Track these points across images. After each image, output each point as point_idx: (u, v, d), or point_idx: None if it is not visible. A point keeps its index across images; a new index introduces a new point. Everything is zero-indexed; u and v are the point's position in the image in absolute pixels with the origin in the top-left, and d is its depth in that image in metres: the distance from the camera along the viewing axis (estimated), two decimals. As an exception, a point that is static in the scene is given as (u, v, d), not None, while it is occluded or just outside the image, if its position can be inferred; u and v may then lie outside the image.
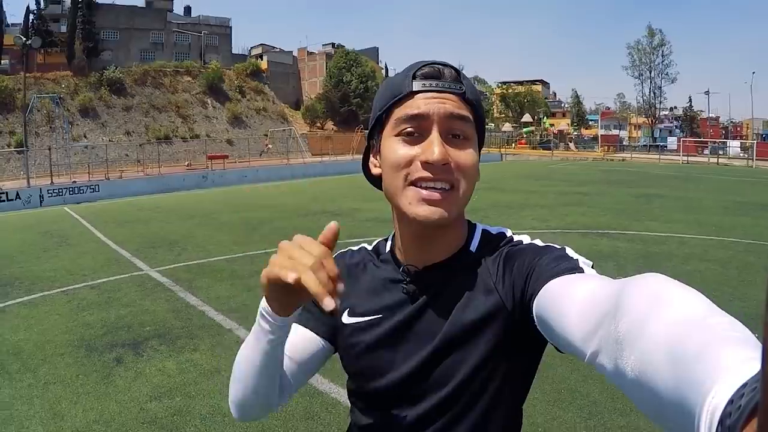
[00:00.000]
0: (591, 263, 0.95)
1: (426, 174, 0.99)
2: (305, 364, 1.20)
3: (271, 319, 0.97)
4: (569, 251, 0.99)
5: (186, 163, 45.39)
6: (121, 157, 47.43)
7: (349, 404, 1.26)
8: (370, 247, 1.30)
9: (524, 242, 1.11)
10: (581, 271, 0.90)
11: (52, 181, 30.40)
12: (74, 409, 4.84)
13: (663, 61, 76.01)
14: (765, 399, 0.30)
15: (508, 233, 1.16)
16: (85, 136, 52.08)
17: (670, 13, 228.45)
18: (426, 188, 0.99)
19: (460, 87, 1.03)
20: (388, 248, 1.23)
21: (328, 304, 0.78)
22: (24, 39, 33.90)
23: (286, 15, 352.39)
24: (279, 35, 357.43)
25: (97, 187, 28.51)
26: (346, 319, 1.18)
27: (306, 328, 1.22)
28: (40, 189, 26.63)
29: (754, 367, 0.43)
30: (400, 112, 1.03)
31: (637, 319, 0.59)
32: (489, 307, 1.03)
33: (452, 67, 1.05)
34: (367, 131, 1.16)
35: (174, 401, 4.92)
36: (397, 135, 1.03)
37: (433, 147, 0.98)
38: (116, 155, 45.61)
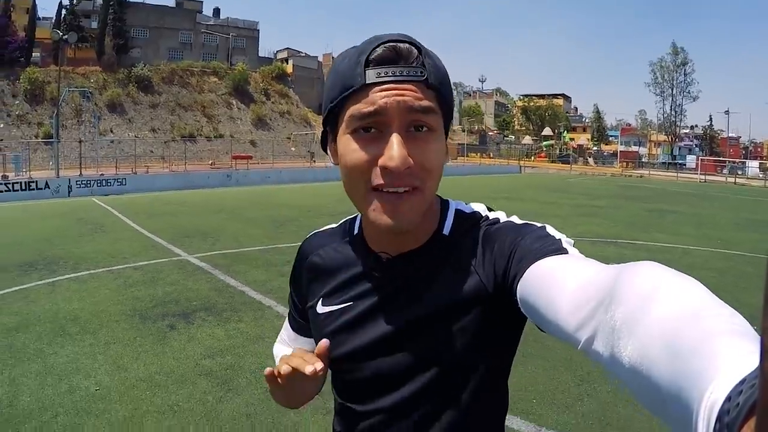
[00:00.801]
0: (572, 242, 0.93)
1: (387, 180, 0.92)
2: None
3: None
4: (550, 230, 0.97)
5: (210, 162, 46.22)
6: (146, 153, 48.23)
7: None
8: (336, 227, 1.27)
9: (501, 220, 1.07)
10: (565, 252, 0.88)
11: (81, 173, 31.25)
12: (135, 363, 5.52)
13: (685, 80, 76.23)
14: (763, 398, 0.30)
15: (483, 211, 1.12)
16: (111, 131, 53.15)
17: (692, 31, 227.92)
18: (389, 194, 0.94)
19: (421, 72, 0.92)
20: (357, 230, 1.19)
21: (309, 369, 1.00)
22: (60, 34, 34.82)
23: (311, 21, 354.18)
24: (304, 40, 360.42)
25: (124, 180, 29.33)
26: (320, 308, 1.17)
27: (306, 337, 1.31)
28: (69, 179, 27.38)
29: (753, 361, 0.43)
30: (354, 109, 0.93)
31: (633, 309, 0.58)
32: (469, 290, 1.00)
33: (411, 42, 0.94)
34: (322, 118, 1.07)
35: (225, 359, 5.61)
36: (353, 132, 0.95)
37: (393, 151, 0.90)
38: (141, 151, 46.40)
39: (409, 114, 0.92)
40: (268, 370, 1.05)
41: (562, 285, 0.76)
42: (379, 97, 0.91)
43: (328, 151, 1.06)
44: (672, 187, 36.87)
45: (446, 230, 1.08)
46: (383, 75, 0.91)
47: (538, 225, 0.99)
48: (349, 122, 0.94)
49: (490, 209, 1.13)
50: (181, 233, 13.63)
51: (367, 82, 0.91)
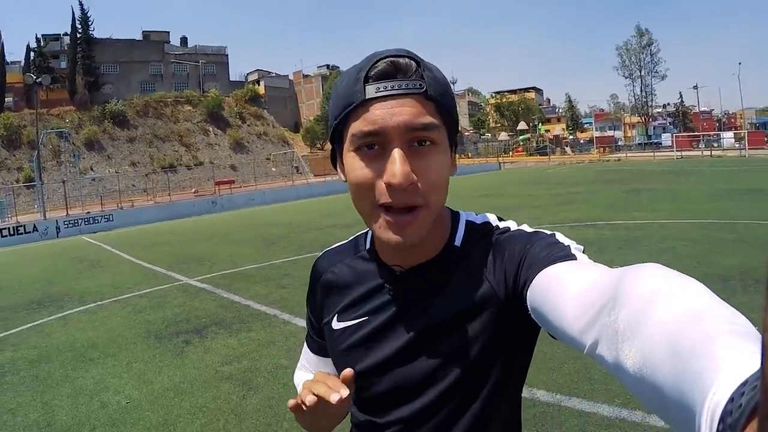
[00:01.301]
0: (582, 248, 0.94)
1: (392, 198, 0.92)
2: None
3: None
4: (560, 237, 0.98)
5: (193, 190, 46.49)
6: (128, 188, 48.41)
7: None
8: (347, 242, 1.28)
9: (512, 229, 1.07)
10: (574, 258, 0.88)
11: (67, 213, 31.49)
12: (159, 376, 5.95)
13: (652, 59, 77.37)
14: (765, 399, 0.29)
15: (494, 221, 1.12)
16: (91, 169, 53.32)
17: (655, 10, 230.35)
18: (394, 211, 0.94)
19: (420, 84, 0.93)
20: (369, 244, 1.20)
21: (335, 398, 0.93)
22: (34, 77, 34.93)
23: (280, 39, 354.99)
24: (274, 60, 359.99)
25: (111, 216, 29.64)
26: (335, 324, 1.18)
27: (327, 357, 1.27)
28: (56, 220, 27.65)
29: (755, 361, 0.43)
30: (355, 127, 0.94)
31: (635, 312, 0.58)
32: (480, 298, 1.01)
33: (410, 56, 0.95)
34: (329, 136, 1.07)
35: (242, 364, 6.06)
36: (357, 150, 0.96)
37: (395, 168, 0.90)
38: (124, 186, 46.57)
39: (409, 132, 0.92)
40: (291, 402, 1.04)
41: (567, 290, 0.77)
42: (379, 116, 0.91)
43: (338, 168, 1.07)
44: (649, 166, 37.53)
45: (458, 241, 1.09)
46: (382, 90, 0.92)
47: (548, 232, 1.00)
48: (352, 140, 0.95)
49: (500, 219, 1.14)
50: (178, 260, 13.98)
51: (366, 97, 0.92)
